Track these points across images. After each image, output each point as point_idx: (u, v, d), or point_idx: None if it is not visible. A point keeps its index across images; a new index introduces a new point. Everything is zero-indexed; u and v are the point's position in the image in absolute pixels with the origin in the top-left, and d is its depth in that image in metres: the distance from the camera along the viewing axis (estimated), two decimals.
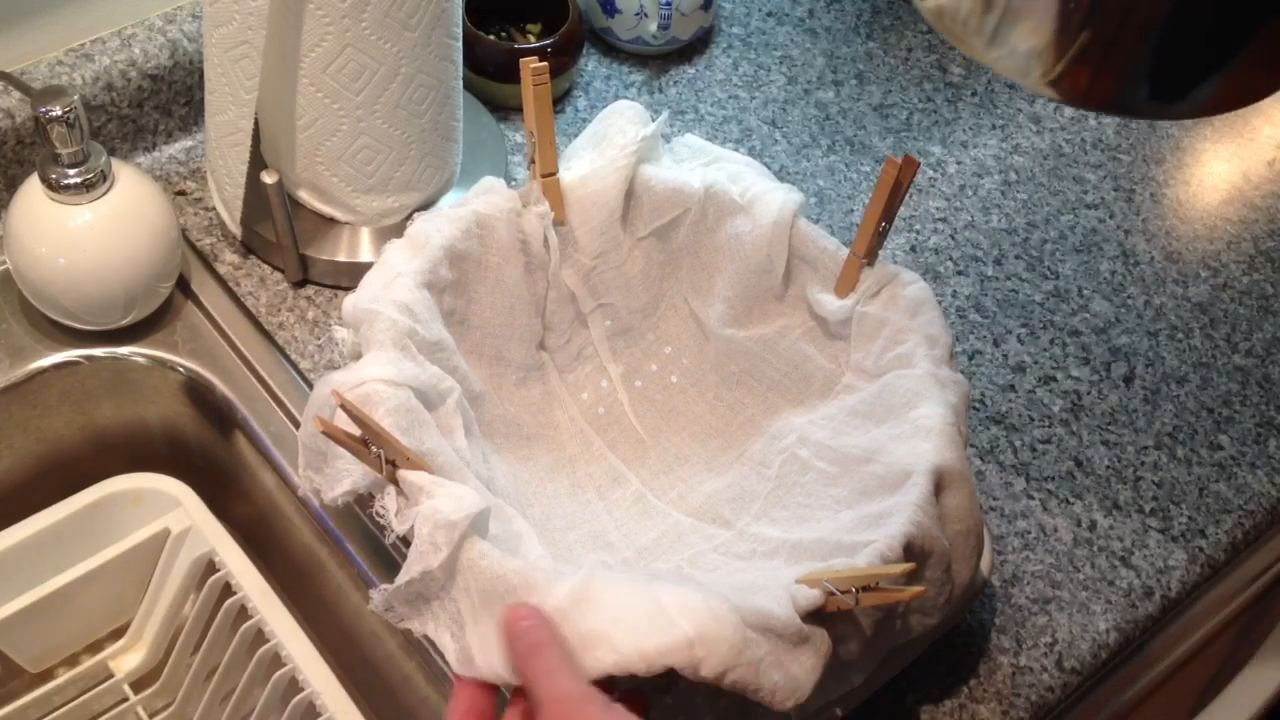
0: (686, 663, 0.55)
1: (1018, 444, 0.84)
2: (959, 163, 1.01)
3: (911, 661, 0.71)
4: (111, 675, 0.83)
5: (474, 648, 0.60)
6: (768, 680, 0.57)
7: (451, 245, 0.71)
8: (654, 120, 0.78)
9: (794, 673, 0.58)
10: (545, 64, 0.71)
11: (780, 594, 0.58)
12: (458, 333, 0.72)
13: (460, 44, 0.82)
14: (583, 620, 0.56)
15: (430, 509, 0.59)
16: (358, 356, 0.67)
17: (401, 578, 0.60)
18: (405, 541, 0.60)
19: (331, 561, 0.77)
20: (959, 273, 0.94)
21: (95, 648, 0.84)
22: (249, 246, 0.87)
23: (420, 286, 0.68)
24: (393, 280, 0.68)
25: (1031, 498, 0.81)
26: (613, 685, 0.58)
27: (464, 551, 0.59)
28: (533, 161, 0.73)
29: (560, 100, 0.99)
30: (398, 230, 0.84)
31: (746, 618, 0.58)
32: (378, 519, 0.61)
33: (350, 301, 0.68)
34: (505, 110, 0.97)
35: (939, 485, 0.64)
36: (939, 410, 0.67)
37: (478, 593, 0.59)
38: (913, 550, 0.62)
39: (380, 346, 0.65)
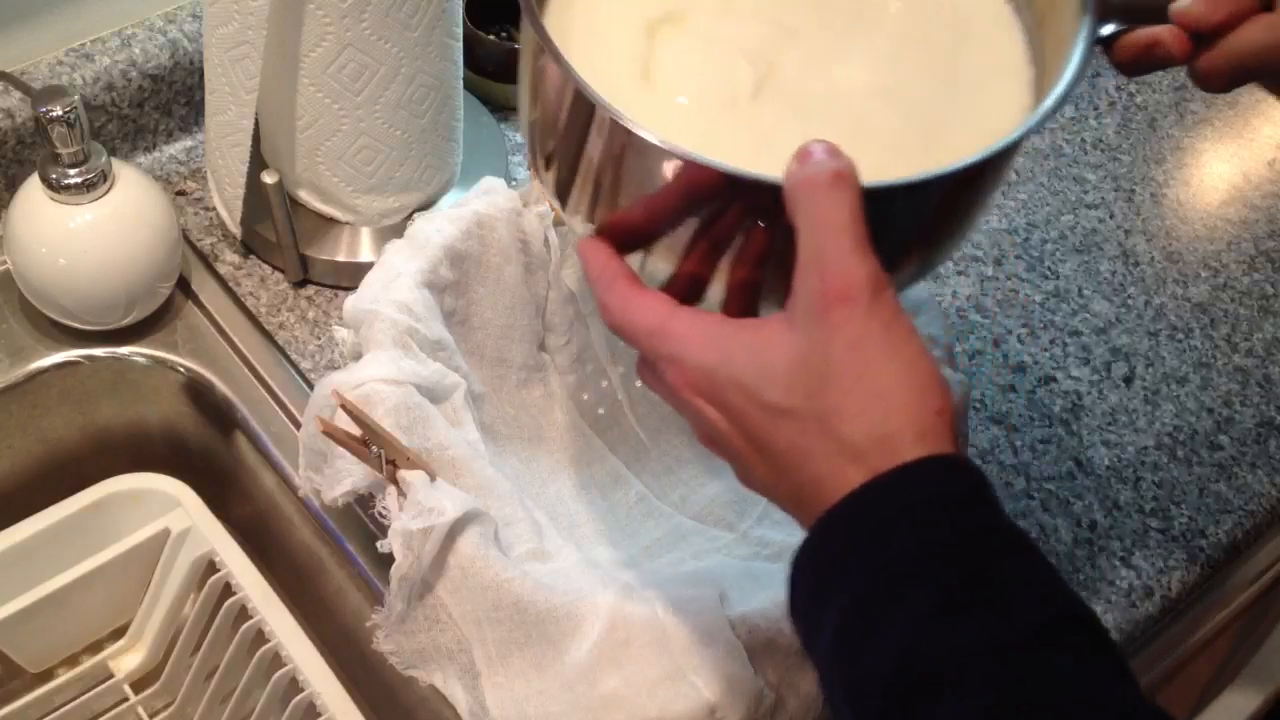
0: None
1: (1018, 444, 0.84)
2: None
3: None
4: (111, 675, 0.83)
5: (489, 701, 0.60)
6: (783, 714, 0.58)
7: (451, 245, 0.71)
8: None
9: (806, 690, 0.58)
10: None
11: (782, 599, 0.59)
12: (458, 333, 0.72)
13: (460, 44, 0.82)
14: (604, 681, 0.57)
15: (402, 520, 0.59)
16: (358, 357, 0.67)
17: (391, 602, 0.60)
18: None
19: (331, 561, 0.77)
20: (959, 273, 0.94)
21: (95, 648, 0.84)
22: (249, 246, 0.86)
23: (420, 286, 0.68)
24: (393, 280, 0.68)
25: (1031, 498, 0.81)
26: None
27: (454, 555, 0.59)
28: None
29: None
30: (398, 230, 0.84)
31: (754, 634, 0.58)
32: (380, 519, 0.61)
33: (350, 302, 0.68)
34: (505, 110, 0.97)
35: None
36: None
37: (486, 620, 0.59)
38: None
39: (380, 346, 0.65)
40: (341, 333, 0.70)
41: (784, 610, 0.58)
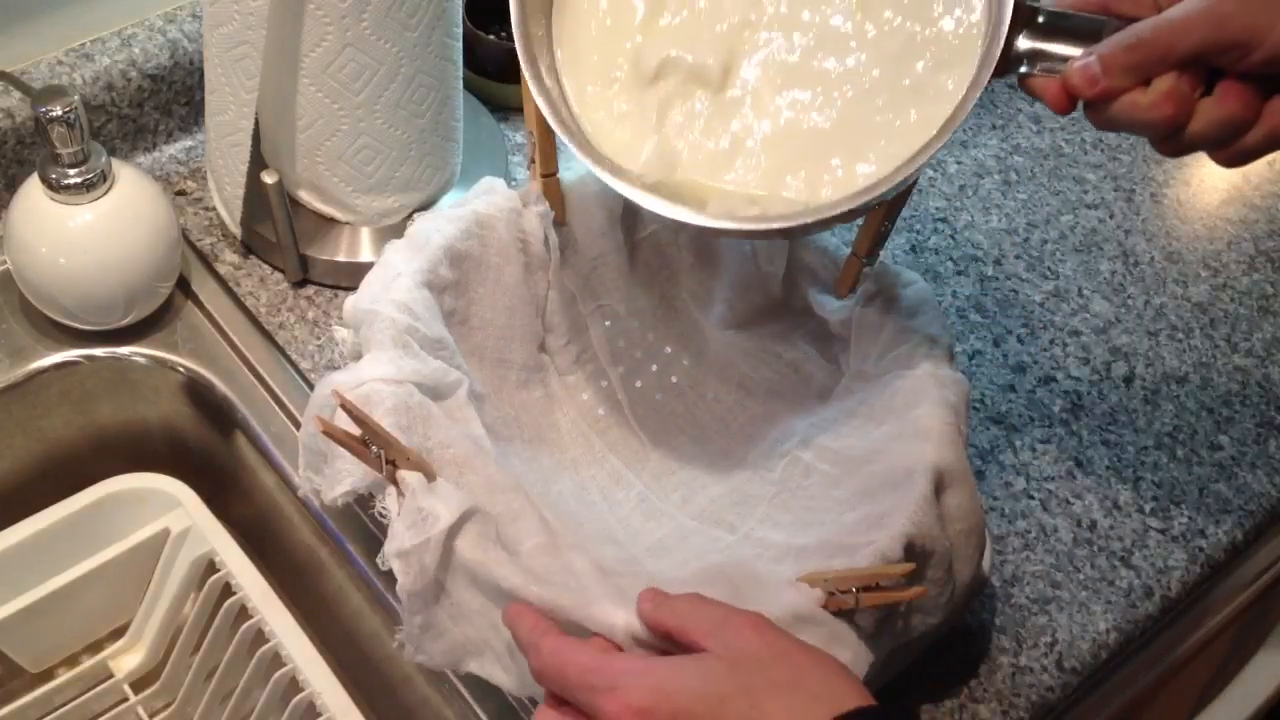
0: None
1: (1018, 444, 0.84)
2: (959, 163, 1.01)
3: (911, 661, 0.71)
4: (111, 675, 0.83)
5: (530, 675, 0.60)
6: None
7: (451, 245, 0.71)
8: None
9: (845, 654, 0.58)
10: None
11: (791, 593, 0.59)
12: (459, 333, 0.71)
13: (460, 44, 0.82)
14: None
15: (396, 539, 0.59)
16: (358, 357, 0.67)
17: (408, 619, 0.60)
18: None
19: (331, 561, 0.77)
20: (959, 273, 0.94)
21: (95, 648, 0.84)
22: (249, 246, 0.87)
23: (420, 286, 0.68)
24: (393, 280, 0.68)
25: (1031, 498, 0.81)
26: None
27: (456, 556, 0.59)
28: (533, 161, 0.73)
29: None
30: (398, 230, 0.84)
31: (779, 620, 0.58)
32: (380, 519, 0.61)
33: (351, 303, 0.68)
34: (505, 110, 0.97)
35: (939, 485, 0.64)
36: (939, 410, 0.67)
37: (496, 604, 0.59)
38: (914, 550, 0.62)
39: (380, 346, 0.65)
40: (342, 332, 0.70)
41: (806, 602, 0.58)
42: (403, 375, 0.63)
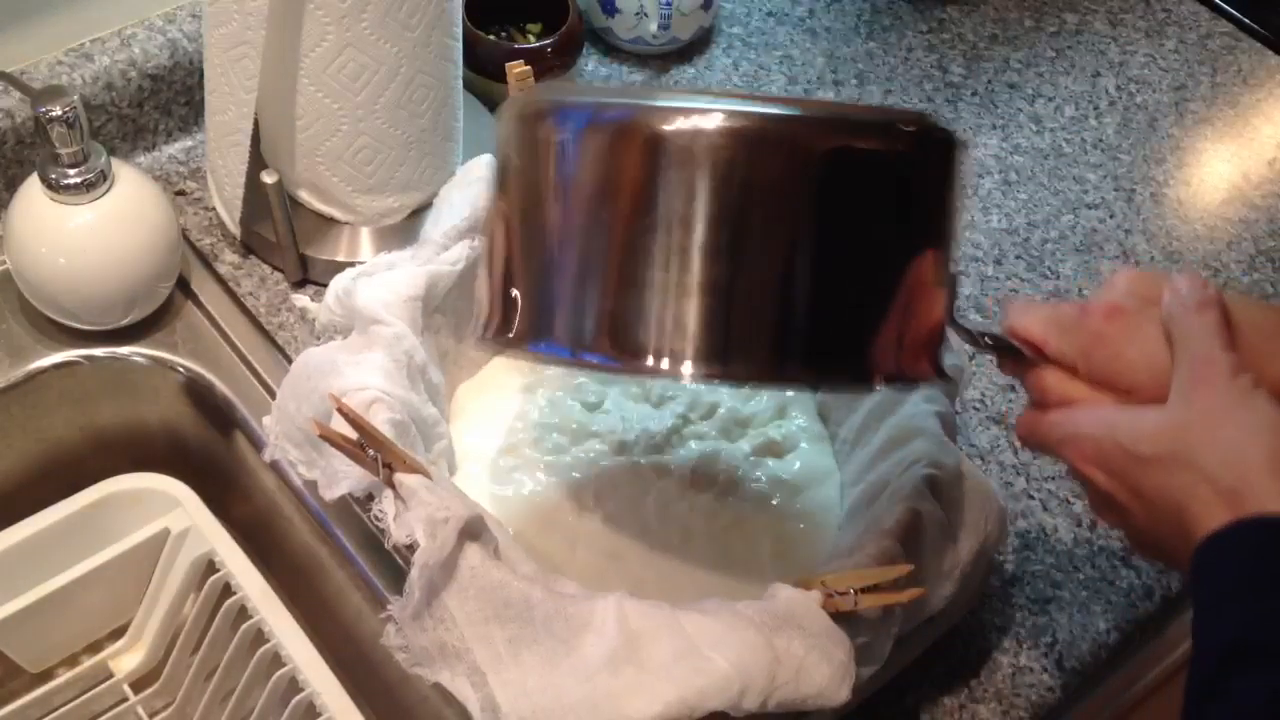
0: (729, 702, 0.56)
1: (1018, 444, 0.84)
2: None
3: (911, 661, 0.71)
4: (111, 675, 0.83)
5: (500, 697, 0.59)
6: (812, 681, 0.57)
7: (445, 298, 0.71)
8: None
9: (839, 657, 0.58)
10: (528, 68, 0.70)
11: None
12: (451, 374, 0.71)
13: (460, 44, 0.82)
14: (619, 670, 0.57)
15: (425, 508, 0.59)
16: (332, 335, 0.66)
17: (409, 590, 0.60)
18: (410, 547, 0.60)
19: (331, 561, 0.77)
20: (959, 272, 0.94)
21: (95, 648, 0.85)
22: (249, 246, 0.87)
23: (423, 330, 0.68)
24: (404, 308, 0.68)
25: (1031, 498, 0.81)
26: None
27: (464, 558, 0.59)
28: None
29: None
30: (398, 230, 0.84)
31: (769, 610, 0.58)
32: (377, 521, 0.61)
33: (365, 294, 0.68)
34: None
35: (930, 463, 0.65)
36: (924, 407, 0.68)
37: (495, 618, 0.59)
38: (909, 532, 0.62)
39: (397, 368, 0.65)
40: (303, 300, 0.69)
41: (806, 606, 0.58)
42: (409, 409, 0.63)
